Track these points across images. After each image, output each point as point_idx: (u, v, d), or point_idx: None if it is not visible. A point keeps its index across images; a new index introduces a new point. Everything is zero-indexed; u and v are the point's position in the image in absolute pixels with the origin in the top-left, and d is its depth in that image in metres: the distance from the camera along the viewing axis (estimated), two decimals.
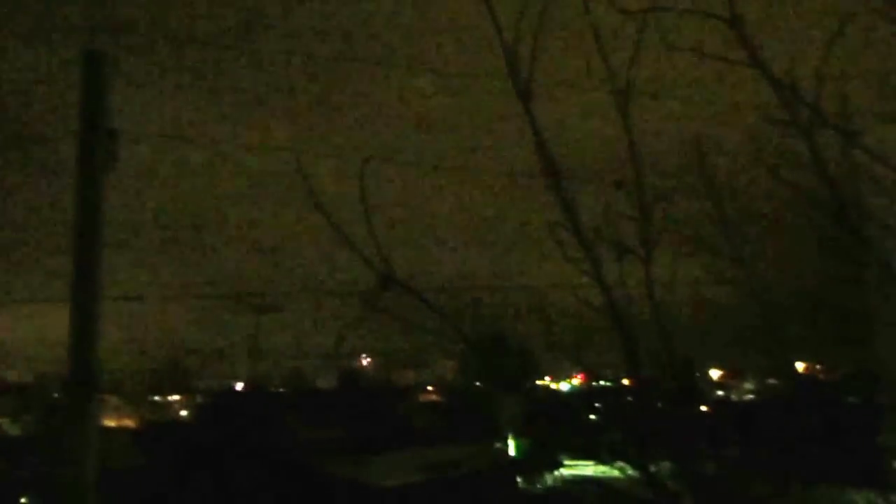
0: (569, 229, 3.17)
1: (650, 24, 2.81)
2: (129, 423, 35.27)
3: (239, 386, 44.13)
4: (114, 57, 4.90)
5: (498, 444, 26.54)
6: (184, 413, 42.53)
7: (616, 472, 4.15)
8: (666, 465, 3.62)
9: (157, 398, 48.29)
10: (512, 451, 27.06)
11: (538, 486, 24.36)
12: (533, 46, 2.76)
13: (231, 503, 16.94)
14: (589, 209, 3.19)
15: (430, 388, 42.35)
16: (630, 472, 3.70)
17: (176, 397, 48.02)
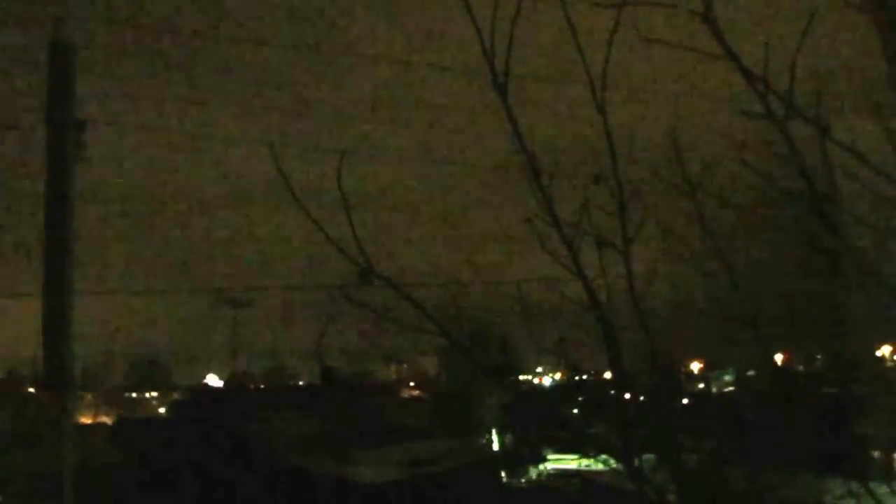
0: (548, 223, 3.18)
1: (626, 17, 2.81)
2: (105, 419, 35.05)
3: (217, 382, 43.93)
4: (82, 46, 4.83)
5: (482, 439, 26.59)
6: (161, 410, 42.29)
7: (599, 465, 4.17)
8: (649, 458, 3.64)
9: (133, 395, 47.99)
10: (496, 446, 27.13)
11: (522, 480, 24.44)
12: (510, 38, 2.75)
13: (209, 500, 16.85)
14: (567, 203, 3.20)
15: (412, 383, 42.39)
16: (613, 465, 3.72)
17: (153, 394, 47.73)
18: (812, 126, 2.88)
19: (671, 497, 3.51)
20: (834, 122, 3.08)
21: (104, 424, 31.64)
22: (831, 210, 3.07)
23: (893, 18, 2.80)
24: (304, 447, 19.69)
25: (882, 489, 4.44)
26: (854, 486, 4.89)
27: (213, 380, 45.43)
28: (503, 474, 23.97)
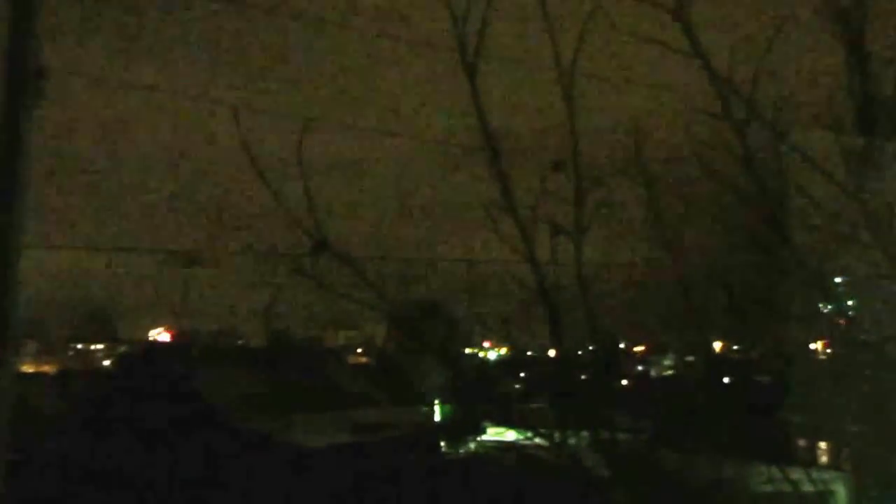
0: (504, 206, 3.21)
1: (598, 7, 2.83)
2: (48, 369, 34.46)
3: (163, 338, 43.38)
4: None
5: (424, 409, 26.76)
6: (106, 362, 41.64)
7: (537, 440, 4.26)
8: (583, 435, 3.74)
9: (79, 346, 47.20)
10: (437, 417, 27.32)
11: (461, 450, 24.70)
12: (482, 21, 2.75)
13: (147, 455, 16.73)
14: (525, 187, 3.23)
15: (359, 350, 42.34)
16: (544, 442, 3.81)
17: (99, 346, 46.97)
18: (769, 130, 2.95)
19: (601, 473, 3.61)
20: (790, 128, 3.16)
21: (45, 374, 31.09)
22: (780, 212, 3.16)
23: (855, 34, 2.87)
24: (246, 407, 19.62)
25: (800, 475, 4.62)
26: (774, 471, 5.06)
27: (163, 336, 44.81)
28: (442, 444, 24.19)
